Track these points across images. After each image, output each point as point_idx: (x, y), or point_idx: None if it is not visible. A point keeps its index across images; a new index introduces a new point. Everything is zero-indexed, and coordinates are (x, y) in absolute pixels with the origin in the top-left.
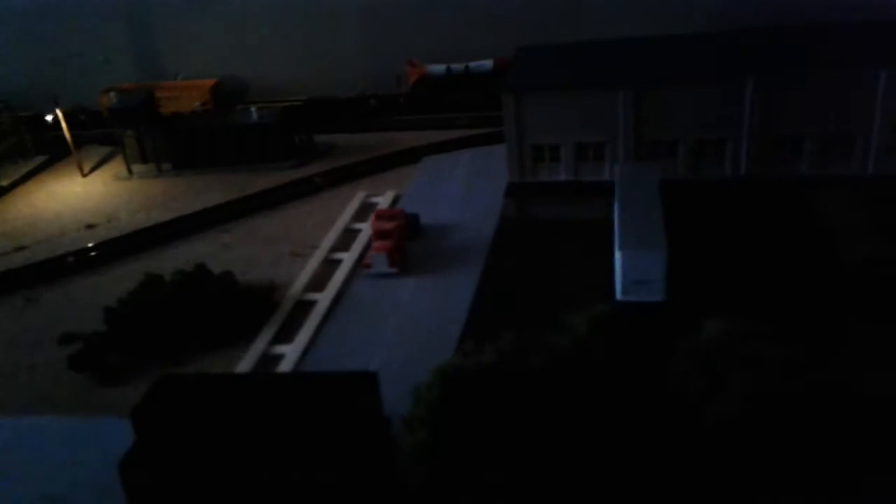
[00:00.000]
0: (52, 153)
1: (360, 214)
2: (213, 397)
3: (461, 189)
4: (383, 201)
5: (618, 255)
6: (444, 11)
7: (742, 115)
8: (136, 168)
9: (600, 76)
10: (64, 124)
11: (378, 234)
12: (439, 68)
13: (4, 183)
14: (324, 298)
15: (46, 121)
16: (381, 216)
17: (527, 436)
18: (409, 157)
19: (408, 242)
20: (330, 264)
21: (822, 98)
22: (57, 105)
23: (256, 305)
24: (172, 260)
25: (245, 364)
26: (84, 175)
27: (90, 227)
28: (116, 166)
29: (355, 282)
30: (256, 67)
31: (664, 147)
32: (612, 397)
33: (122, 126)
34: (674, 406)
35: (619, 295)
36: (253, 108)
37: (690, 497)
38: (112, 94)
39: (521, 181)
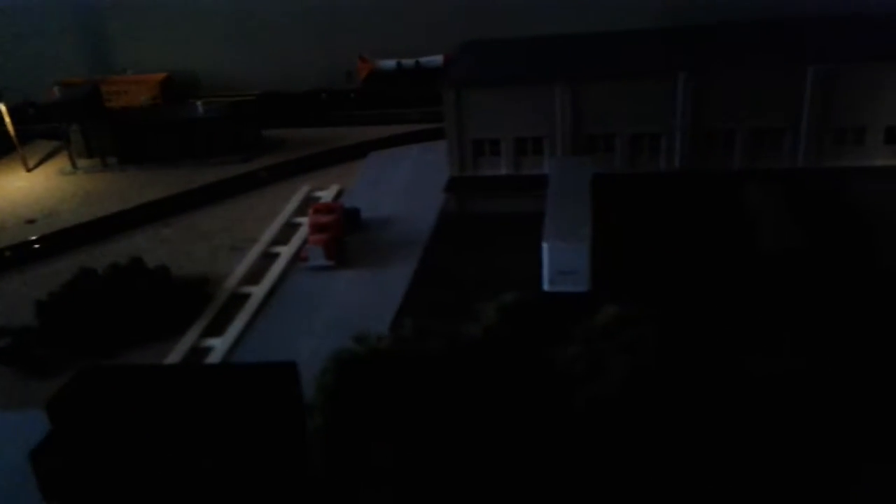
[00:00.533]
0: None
1: (303, 209)
2: (132, 388)
3: (405, 184)
4: (327, 195)
5: (543, 246)
6: (396, 7)
7: (675, 110)
8: (82, 163)
9: (538, 71)
10: (7, 119)
11: (315, 228)
12: (390, 63)
13: None
14: (258, 291)
15: (38, 107)
16: (318, 210)
17: (414, 419)
18: (357, 151)
19: (347, 236)
20: (268, 258)
21: (752, 93)
22: (0, 99)
23: (189, 299)
24: (111, 255)
25: (174, 357)
26: (28, 170)
27: (30, 221)
28: (62, 161)
29: (292, 275)
30: (208, 62)
31: (602, 141)
32: (501, 382)
33: (65, 120)
34: (555, 389)
35: (545, 286)
36: (199, 103)
37: (564, 477)
38: (56, 87)
39: (462, 175)
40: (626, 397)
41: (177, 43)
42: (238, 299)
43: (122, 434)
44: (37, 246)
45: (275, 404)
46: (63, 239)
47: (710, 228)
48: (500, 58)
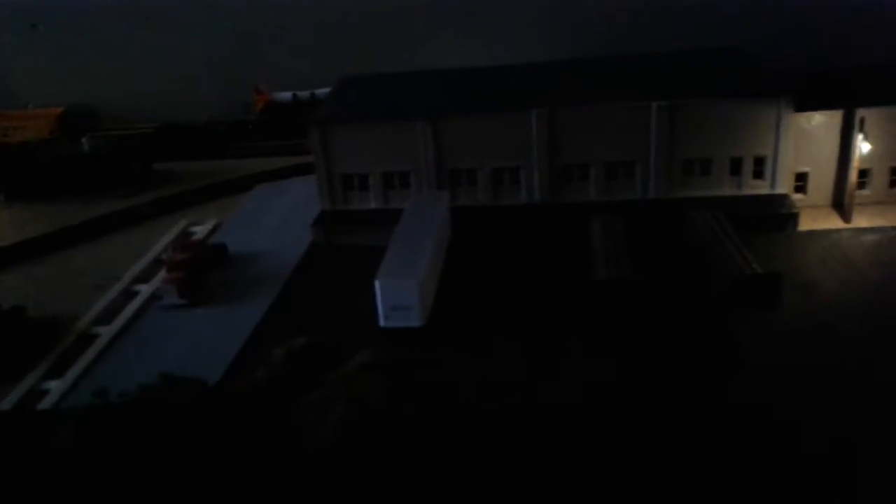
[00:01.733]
0: None
1: (176, 244)
2: None
3: (281, 218)
4: (202, 230)
5: (375, 283)
6: (292, 40)
7: (531, 145)
8: None
9: (401, 108)
10: None
11: (170, 266)
12: (286, 95)
13: None
14: (107, 332)
15: None
16: (176, 248)
17: (152, 471)
18: (244, 184)
19: (212, 272)
20: (129, 296)
21: (602, 128)
22: None
23: (38, 341)
24: None
25: (9, 400)
26: None
27: None
28: None
29: (147, 314)
30: (107, 95)
31: (464, 175)
32: (241, 431)
33: None
34: (289, 437)
35: (381, 321)
36: (84, 139)
37: None
38: None
39: (333, 209)
40: (344, 443)
41: (77, 77)
42: (88, 339)
43: None
44: None
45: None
46: None
47: (554, 259)
48: (371, 93)
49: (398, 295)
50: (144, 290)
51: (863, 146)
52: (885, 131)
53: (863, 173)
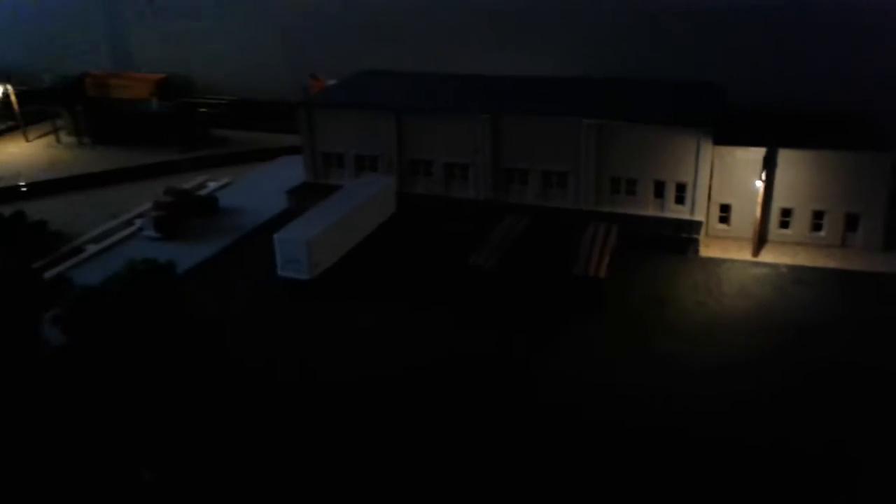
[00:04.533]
0: (29, 121)
1: (168, 190)
2: None
3: (279, 184)
4: (214, 185)
5: (274, 238)
6: (353, 35)
7: (482, 147)
8: (65, 139)
9: (375, 100)
10: (13, 98)
11: (156, 206)
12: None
13: None
14: (92, 248)
15: (31, 92)
16: (167, 192)
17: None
18: (272, 154)
19: (200, 218)
20: (127, 226)
21: (540, 138)
22: (9, 81)
23: (42, 247)
24: (30, 209)
25: None
26: (28, 141)
27: None
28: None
29: (131, 240)
30: (199, 68)
31: (422, 166)
32: None
33: (51, 103)
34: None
35: (279, 271)
36: (154, 101)
37: None
38: (46, 76)
39: (314, 182)
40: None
41: (178, 49)
42: (77, 251)
43: None
44: None
45: None
46: (5, 193)
47: (459, 246)
48: (370, 86)
49: (291, 251)
50: (138, 223)
51: (757, 184)
52: (810, 174)
53: (786, 213)
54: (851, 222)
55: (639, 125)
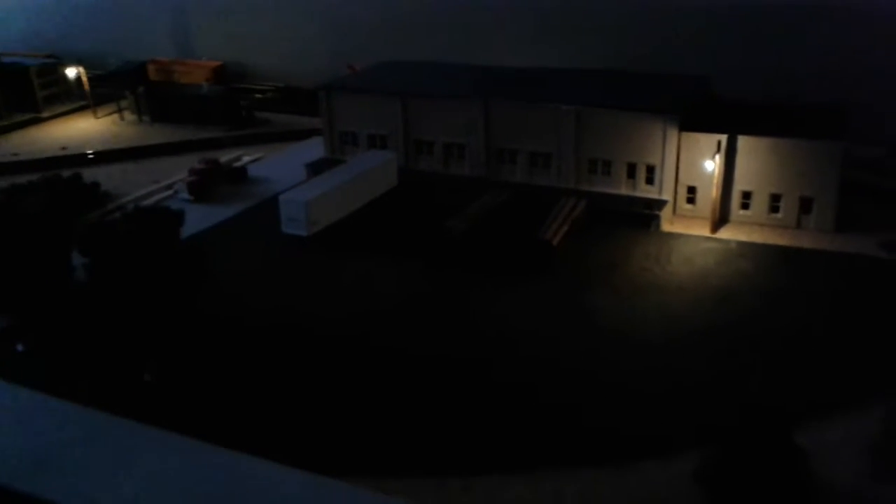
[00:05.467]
0: (98, 101)
1: (202, 160)
2: None
3: (304, 160)
4: (247, 158)
5: (279, 199)
6: (389, 31)
7: (476, 129)
8: (128, 117)
9: (384, 86)
10: (84, 79)
11: (190, 172)
12: None
13: (45, 115)
14: (130, 206)
15: (99, 75)
16: (201, 162)
17: None
18: (306, 135)
19: (230, 186)
20: (166, 189)
21: (526, 121)
22: (81, 65)
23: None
24: (88, 174)
25: None
26: (97, 118)
27: (63, 148)
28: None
29: (166, 202)
30: (253, 57)
31: (425, 146)
32: None
33: (116, 86)
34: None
35: (282, 228)
36: (205, 85)
37: None
38: (112, 61)
39: (332, 157)
40: None
41: (235, 40)
42: (119, 208)
43: None
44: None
45: None
46: (68, 160)
47: (442, 215)
48: (386, 73)
49: (292, 210)
50: (175, 187)
51: (707, 164)
52: (768, 160)
53: (746, 195)
54: (806, 205)
55: (611, 111)
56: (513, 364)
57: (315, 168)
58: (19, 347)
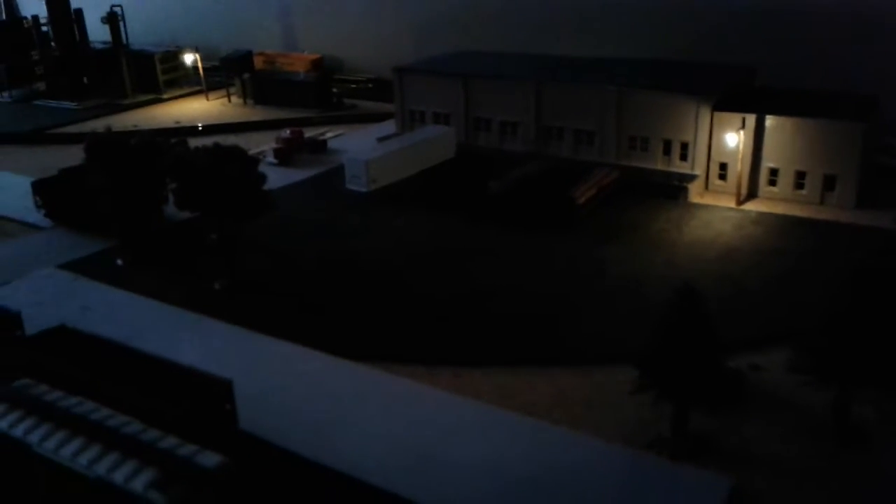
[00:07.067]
0: (210, 86)
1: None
2: None
3: (378, 136)
4: (330, 133)
5: (343, 158)
6: (473, 26)
7: (528, 108)
8: (235, 100)
9: (448, 70)
10: (200, 65)
11: (277, 141)
12: None
13: (165, 97)
14: None
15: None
16: (287, 132)
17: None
18: (382, 118)
19: (309, 154)
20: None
21: (573, 101)
22: (197, 52)
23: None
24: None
25: None
26: (208, 100)
27: (177, 122)
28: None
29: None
30: (349, 50)
31: (483, 123)
32: None
33: (226, 72)
34: None
35: (346, 184)
36: (301, 73)
37: None
38: (223, 51)
39: (402, 133)
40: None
41: (334, 34)
42: None
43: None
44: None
45: None
46: (180, 131)
47: (489, 180)
48: (455, 61)
49: (355, 168)
50: (264, 153)
51: (730, 139)
52: (794, 139)
53: (773, 172)
54: (829, 182)
55: (650, 91)
56: (514, 296)
57: (383, 140)
58: (119, 262)
